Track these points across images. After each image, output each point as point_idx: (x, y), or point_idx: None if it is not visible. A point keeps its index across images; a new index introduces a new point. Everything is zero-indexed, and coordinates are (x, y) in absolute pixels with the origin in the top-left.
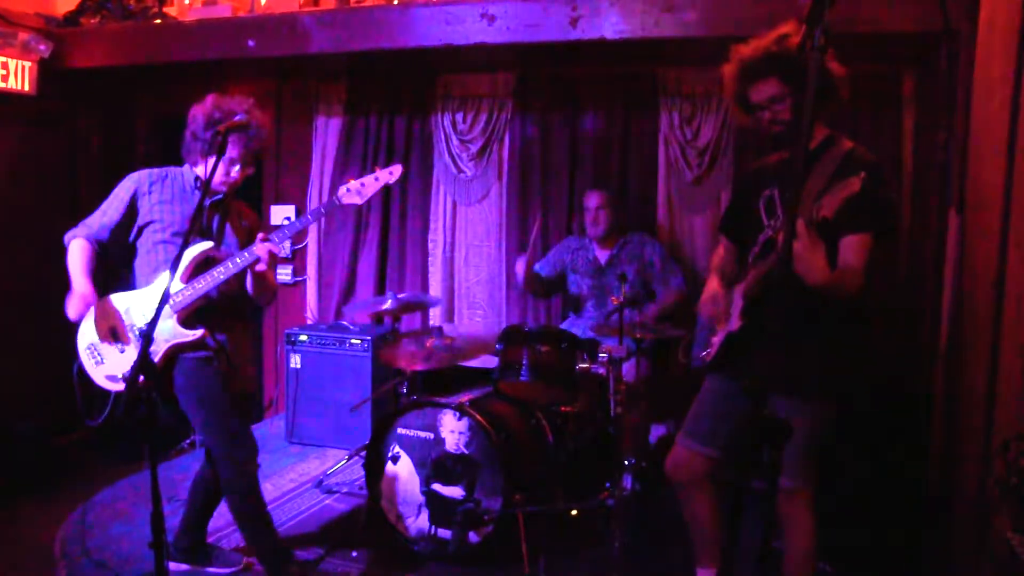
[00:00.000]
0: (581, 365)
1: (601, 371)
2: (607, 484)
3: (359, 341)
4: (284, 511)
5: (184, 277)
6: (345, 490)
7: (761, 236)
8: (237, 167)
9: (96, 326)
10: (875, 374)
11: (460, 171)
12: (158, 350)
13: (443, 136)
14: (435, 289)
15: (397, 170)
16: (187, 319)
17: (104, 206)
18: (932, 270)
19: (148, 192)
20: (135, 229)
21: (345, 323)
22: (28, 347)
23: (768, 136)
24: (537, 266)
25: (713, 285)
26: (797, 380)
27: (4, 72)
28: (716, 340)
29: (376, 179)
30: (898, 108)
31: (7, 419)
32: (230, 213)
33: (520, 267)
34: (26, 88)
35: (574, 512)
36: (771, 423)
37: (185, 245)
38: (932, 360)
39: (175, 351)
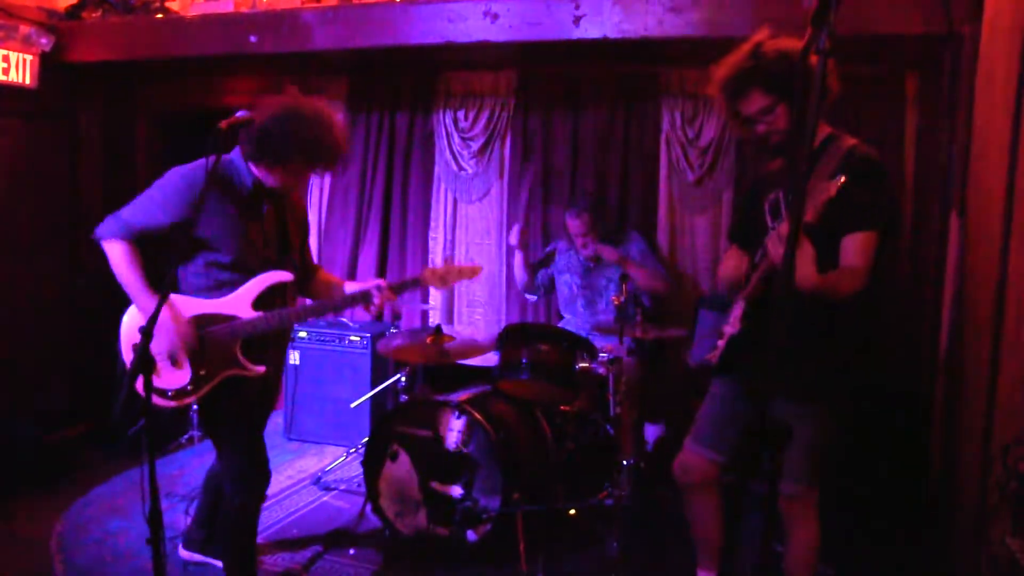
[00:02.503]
0: (581, 364)
1: (601, 371)
2: (606, 484)
3: (358, 338)
4: (281, 508)
5: (252, 302)
6: (343, 487)
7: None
8: (302, 180)
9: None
10: (877, 377)
11: (461, 169)
12: (213, 377)
13: (444, 133)
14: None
15: (478, 270)
16: (246, 345)
17: (149, 205)
18: (933, 273)
19: (207, 200)
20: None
21: (344, 320)
22: (27, 342)
23: (770, 145)
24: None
25: (731, 259)
26: (800, 384)
27: (5, 65)
28: (721, 343)
29: (460, 272)
30: (901, 110)
31: (5, 414)
32: (286, 216)
33: (520, 273)
34: (27, 81)
35: (572, 511)
36: (771, 427)
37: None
38: (933, 363)
39: (229, 380)
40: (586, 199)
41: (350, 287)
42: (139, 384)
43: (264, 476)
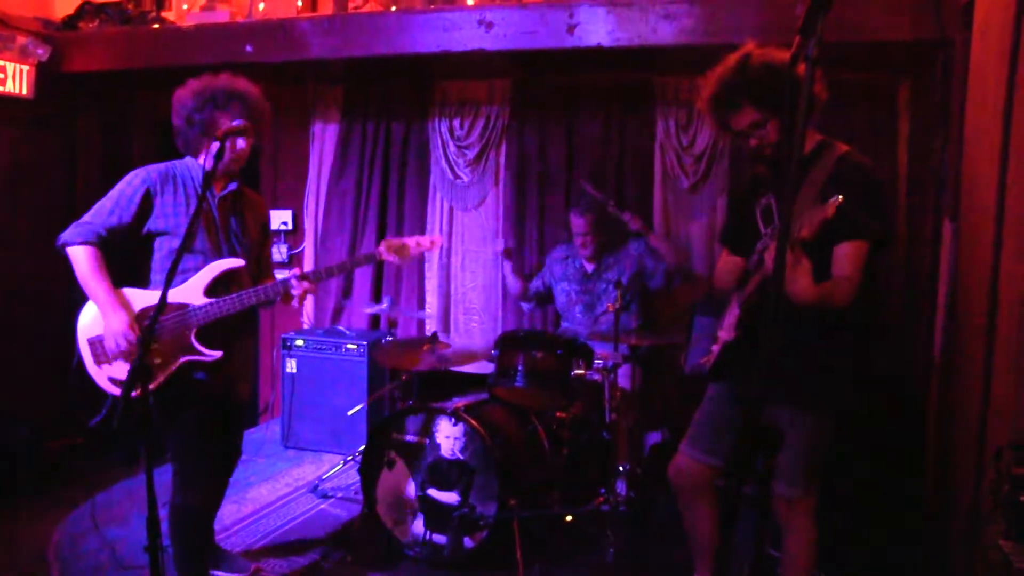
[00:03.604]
0: (577, 371)
1: (596, 377)
2: (602, 490)
3: (355, 346)
4: (279, 515)
5: (205, 290)
6: (340, 495)
7: (759, 244)
8: (240, 140)
9: (114, 334)
10: (872, 382)
11: (457, 177)
12: (169, 364)
13: (440, 142)
14: (431, 295)
15: (438, 241)
16: (202, 333)
17: (108, 204)
18: (927, 278)
19: (160, 192)
20: (146, 230)
21: (341, 328)
22: (25, 350)
23: (761, 158)
24: (534, 283)
25: (728, 263)
26: (795, 390)
27: (2, 76)
28: (715, 349)
29: (418, 245)
30: (893, 116)
31: (2, 422)
32: (242, 208)
33: (512, 282)
34: (24, 92)
35: (569, 518)
36: (762, 430)
37: (189, 242)
38: (927, 367)
39: (186, 367)
40: (590, 200)
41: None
42: (98, 377)
43: (197, 490)
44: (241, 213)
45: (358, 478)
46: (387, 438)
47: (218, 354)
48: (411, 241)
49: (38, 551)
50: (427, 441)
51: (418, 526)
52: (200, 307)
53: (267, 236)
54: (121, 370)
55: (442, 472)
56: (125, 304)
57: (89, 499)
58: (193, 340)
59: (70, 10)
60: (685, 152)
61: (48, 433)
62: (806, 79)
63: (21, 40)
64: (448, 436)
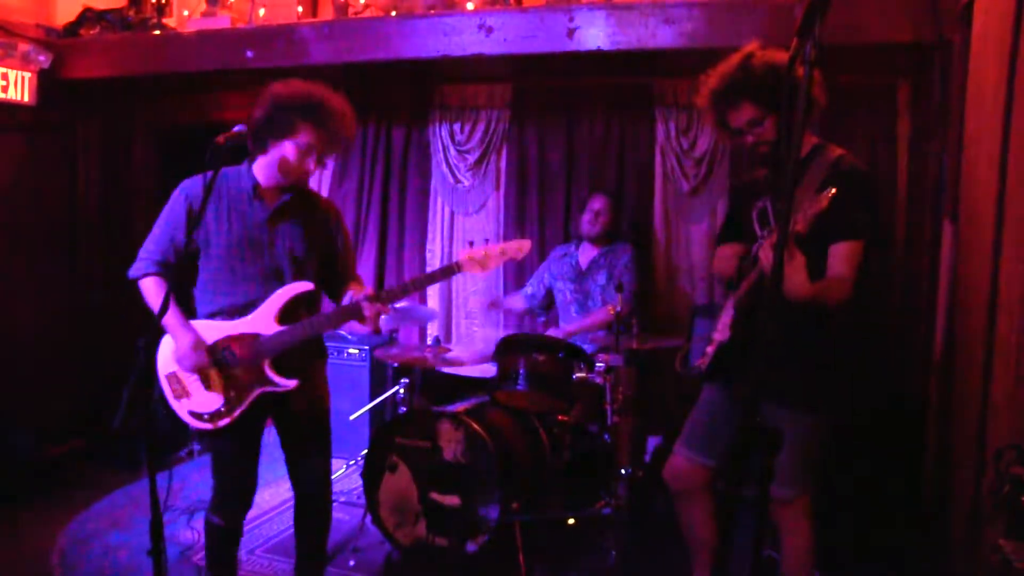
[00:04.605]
0: (578, 374)
1: (598, 380)
2: (603, 493)
3: (357, 351)
4: (281, 520)
5: (276, 316)
6: (343, 499)
7: (755, 247)
8: (312, 158)
9: (182, 356)
10: (871, 383)
11: (458, 181)
12: (244, 398)
13: (440, 146)
14: (433, 299)
15: (526, 246)
16: (276, 362)
17: (158, 230)
18: (927, 280)
19: (202, 207)
20: (195, 246)
21: (343, 333)
22: (28, 354)
23: (757, 156)
24: (530, 289)
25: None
26: (792, 392)
27: (4, 83)
28: (710, 350)
29: (503, 252)
30: (893, 118)
31: (5, 427)
32: (299, 217)
33: (516, 303)
34: (26, 98)
35: (571, 521)
36: (760, 431)
37: (253, 271)
38: (927, 369)
39: (262, 398)
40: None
41: (347, 298)
42: (180, 411)
43: (225, 507)
44: (299, 225)
45: (360, 482)
46: (389, 442)
47: (293, 383)
48: (495, 249)
49: (42, 556)
50: (429, 445)
51: (420, 529)
52: (272, 335)
53: (336, 240)
54: (198, 402)
55: (444, 476)
56: (192, 330)
57: (92, 504)
58: (268, 370)
59: (71, 17)
60: (685, 155)
61: (51, 438)
62: (803, 81)
63: (23, 47)
64: (450, 440)
